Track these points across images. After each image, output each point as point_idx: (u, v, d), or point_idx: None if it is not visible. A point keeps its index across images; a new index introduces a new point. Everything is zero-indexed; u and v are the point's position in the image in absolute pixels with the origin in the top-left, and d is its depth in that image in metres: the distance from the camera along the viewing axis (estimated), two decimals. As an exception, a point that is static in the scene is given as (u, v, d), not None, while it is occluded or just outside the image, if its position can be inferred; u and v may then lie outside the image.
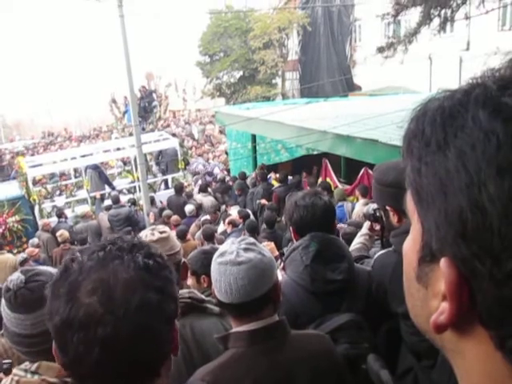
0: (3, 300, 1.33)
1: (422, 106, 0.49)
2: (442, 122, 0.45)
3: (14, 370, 1.33)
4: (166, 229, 2.17)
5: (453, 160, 0.43)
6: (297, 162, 11.24)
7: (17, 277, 1.33)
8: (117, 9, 8.18)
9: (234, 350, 1.50)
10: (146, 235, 2.06)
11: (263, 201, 8.49)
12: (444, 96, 0.47)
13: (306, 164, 10.62)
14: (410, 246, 0.51)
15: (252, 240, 1.60)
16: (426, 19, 6.78)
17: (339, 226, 6.62)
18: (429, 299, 0.48)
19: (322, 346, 1.57)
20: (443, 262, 0.44)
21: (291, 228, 2.14)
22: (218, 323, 1.99)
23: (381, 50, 7.42)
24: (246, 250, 1.51)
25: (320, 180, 9.12)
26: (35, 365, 1.30)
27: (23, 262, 7.76)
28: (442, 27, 7.14)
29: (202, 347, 1.86)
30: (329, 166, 9.45)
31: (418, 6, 6.70)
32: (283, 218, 5.38)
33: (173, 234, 2.33)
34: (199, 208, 9.34)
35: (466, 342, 0.46)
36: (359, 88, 21.64)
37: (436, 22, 6.93)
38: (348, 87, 21.33)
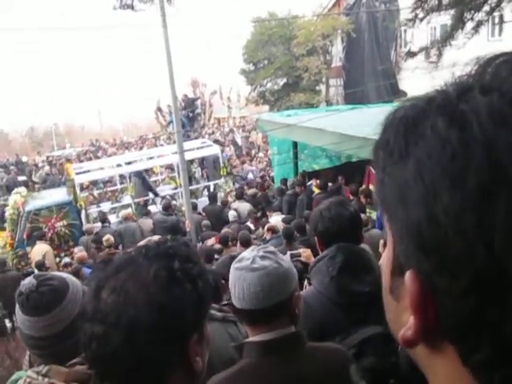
0: (17, 304, 1.37)
1: (390, 115, 0.47)
2: (404, 130, 0.44)
3: (28, 372, 1.37)
4: None
5: (411, 170, 0.41)
6: (338, 169, 11.13)
7: (29, 281, 1.37)
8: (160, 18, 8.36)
9: (246, 361, 1.49)
10: None
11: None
12: (409, 104, 0.46)
13: (347, 171, 10.50)
14: (385, 258, 0.50)
15: (272, 249, 1.59)
16: (458, 23, 6.58)
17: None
18: (400, 312, 0.46)
19: (338, 361, 1.52)
20: (407, 276, 0.43)
21: (316, 238, 2.10)
22: (221, 329, 1.99)
23: (411, 54, 7.24)
24: (262, 257, 1.50)
25: (364, 186, 9.00)
26: (46, 368, 1.33)
27: (67, 266, 8.06)
28: (476, 31, 6.88)
29: None
30: (373, 172, 9.29)
31: (446, 10, 6.50)
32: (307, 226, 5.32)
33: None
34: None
35: (436, 358, 0.44)
36: (404, 94, 21.26)
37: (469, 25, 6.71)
38: (393, 93, 21.00)
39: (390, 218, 0.45)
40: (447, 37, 6.82)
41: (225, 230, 8.49)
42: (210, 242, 8.36)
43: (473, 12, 6.61)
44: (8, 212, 11.25)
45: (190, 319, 0.90)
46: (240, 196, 10.56)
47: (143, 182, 12.43)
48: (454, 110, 0.40)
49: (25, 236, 10.56)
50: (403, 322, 0.45)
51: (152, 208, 11.58)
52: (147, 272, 0.88)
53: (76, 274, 7.29)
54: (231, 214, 9.30)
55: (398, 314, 0.47)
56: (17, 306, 1.37)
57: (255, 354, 1.47)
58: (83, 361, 1.35)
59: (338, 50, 24.60)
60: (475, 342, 0.39)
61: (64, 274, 1.50)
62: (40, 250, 9.29)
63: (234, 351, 1.58)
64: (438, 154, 0.39)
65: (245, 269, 1.48)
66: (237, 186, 13.34)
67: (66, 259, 9.00)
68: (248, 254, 1.54)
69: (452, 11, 6.68)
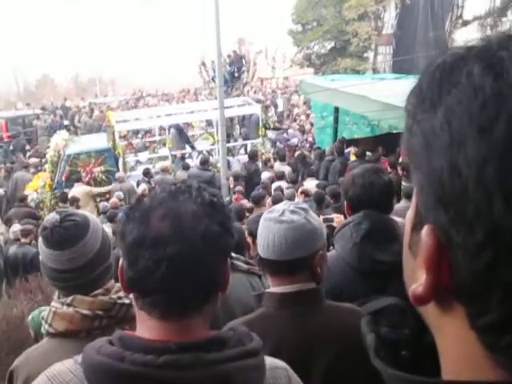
0: (40, 238, 1.41)
1: (430, 62, 0.45)
2: (439, 77, 0.42)
3: (52, 303, 1.42)
4: None
5: (440, 118, 0.39)
6: (378, 139, 10.91)
7: (52, 216, 1.41)
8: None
9: (264, 309, 1.53)
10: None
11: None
12: (450, 52, 0.43)
13: (388, 142, 10.29)
14: (409, 213, 0.49)
15: (305, 206, 1.60)
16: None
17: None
18: (416, 269, 0.45)
19: (354, 321, 1.53)
20: (424, 230, 0.42)
21: (345, 203, 2.09)
22: (244, 279, 2.04)
23: (465, 23, 6.95)
24: (292, 212, 1.51)
25: (401, 159, 8.83)
26: (70, 298, 1.38)
27: (105, 212, 8.27)
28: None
29: (225, 302, 1.87)
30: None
31: None
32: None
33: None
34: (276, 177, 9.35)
35: (446, 318, 0.43)
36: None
37: None
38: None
39: (414, 168, 0.44)
40: (504, 8, 6.50)
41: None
42: (234, 197, 8.40)
43: None
44: (49, 154, 11.53)
45: (234, 240, 0.99)
46: (282, 158, 10.45)
47: (181, 133, 12.48)
48: (492, 56, 0.38)
49: (63, 178, 10.86)
50: (418, 278, 0.44)
51: (188, 162, 11.65)
52: (202, 198, 0.95)
53: (113, 218, 7.50)
54: (264, 176, 9.27)
55: (413, 271, 0.46)
56: (40, 240, 1.41)
57: (273, 304, 1.51)
58: (105, 292, 1.41)
59: (390, 16, 23.73)
60: (484, 304, 0.38)
61: (84, 212, 1.55)
62: (82, 190, 9.97)
63: (255, 301, 1.62)
64: (469, 102, 0.37)
65: (273, 220, 1.50)
66: (278, 146, 13.20)
67: (105, 203, 9.28)
68: (279, 206, 1.57)
69: None
